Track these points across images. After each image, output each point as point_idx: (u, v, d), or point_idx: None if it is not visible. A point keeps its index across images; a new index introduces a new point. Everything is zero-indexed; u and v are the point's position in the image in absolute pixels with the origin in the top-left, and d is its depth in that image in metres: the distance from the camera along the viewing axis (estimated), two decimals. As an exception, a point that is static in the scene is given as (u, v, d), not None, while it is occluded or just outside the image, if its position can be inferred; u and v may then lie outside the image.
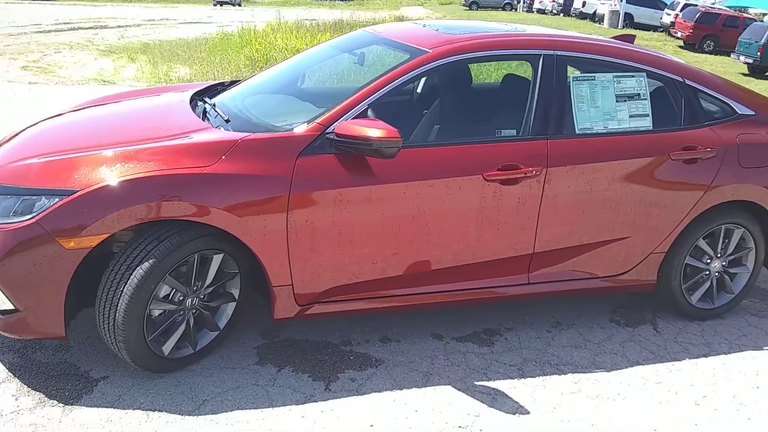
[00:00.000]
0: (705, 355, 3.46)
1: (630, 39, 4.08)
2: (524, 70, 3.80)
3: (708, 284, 3.78)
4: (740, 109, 3.68)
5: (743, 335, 3.69)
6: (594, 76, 3.40)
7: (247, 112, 3.26)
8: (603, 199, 3.33)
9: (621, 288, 3.61)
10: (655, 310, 3.88)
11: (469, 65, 3.98)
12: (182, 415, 2.72)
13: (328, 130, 2.92)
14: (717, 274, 3.78)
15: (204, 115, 3.32)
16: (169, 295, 2.87)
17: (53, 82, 10.71)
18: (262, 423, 2.71)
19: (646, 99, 3.47)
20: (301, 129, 2.96)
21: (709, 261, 3.74)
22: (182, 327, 2.94)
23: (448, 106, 3.68)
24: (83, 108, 3.87)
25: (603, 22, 30.79)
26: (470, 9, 42.27)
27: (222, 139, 2.90)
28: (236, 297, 3.10)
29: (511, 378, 3.13)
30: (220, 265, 2.99)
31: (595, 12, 33.08)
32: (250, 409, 2.78)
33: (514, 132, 3.34)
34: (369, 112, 3.12)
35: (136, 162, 2.76)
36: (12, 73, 11.32)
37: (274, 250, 2.90)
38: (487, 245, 3.23)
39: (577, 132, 3.34)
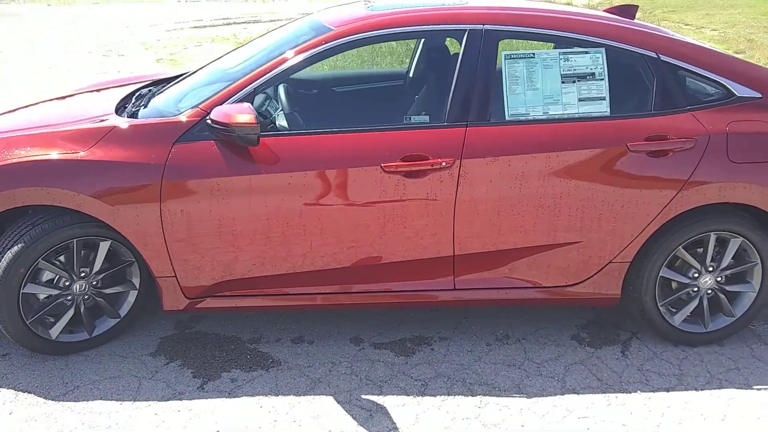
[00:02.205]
0: (667, 390, 2.87)
1: (631, 11, 3.46)
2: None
3: (695, 303, 3.12)
4: (739, 91, 2.98)
5: (736, 369, 3.01)
6: (533, 53, 2.92)
7: (163, 100, 3.19)
8: (537, 196, 2.86)
9: (573, 301, 3.09)
10: (637, 329, 3.29)
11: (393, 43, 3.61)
12: (46, 399, 2.73)
13: (208, 116, 2.77)
14: (709, 291, 3.11)
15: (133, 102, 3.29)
16: (53, 279, 2.90)
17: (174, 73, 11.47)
18: (112, 415, 2.64)
19: (602, 79, 2.92)
20: (183, 115, 2.84)
21: (696, 275, 3.09)
22: (70, 312, 2.95)
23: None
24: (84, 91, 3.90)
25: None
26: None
27: (97, 126, 2.86)
28: (137, 285, 3.06)
29: (407, 395, 2.79)
30: (113, 253, 2.97)
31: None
32: (112, 400, 2.73)
33: (427, 118, 2.97)
34: (263, 96, 2.93)
35: (17, 148, 2.80)
36: (145, 65, 12.30)
37: (151, 239, 2.81)
38: (394, 244, 2.90)
39: (507, 118, 2.89)
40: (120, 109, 3.18)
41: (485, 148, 2.83)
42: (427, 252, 2.93)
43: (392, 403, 2.74)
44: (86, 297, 2.98)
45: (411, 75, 3.87)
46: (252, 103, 2.80)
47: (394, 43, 5.61)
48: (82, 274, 2.93)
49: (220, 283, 2.94)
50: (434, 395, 2.79)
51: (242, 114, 2.62)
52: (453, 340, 3.20)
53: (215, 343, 3.14)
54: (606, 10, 3.50)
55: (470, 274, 3.01)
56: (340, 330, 3.25)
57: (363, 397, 2.77)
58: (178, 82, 3.38)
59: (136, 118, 3.00)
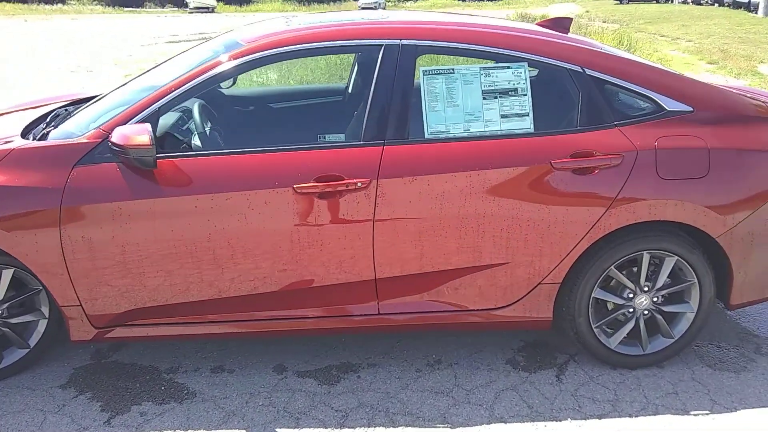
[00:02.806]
0: (600, 416, 2.74)
1: (565, 24, 3.37)
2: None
3: (632, 324, 3.00)
4: (669, 105, 2.88)
5: (674, 393, 2.89)
6: (452, 69, 2.81)
7: (75, 121, 3.06)
8: (460, 216, 2.75)
9: (503, 324, 2.97)
10: (576, 351, 3.17)
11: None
12: (-59, 438, 2.58)
13: (109, 138, 2.64)
14: (646, 312, 3.00)
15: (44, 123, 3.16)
16: (-48, 310, 2.75)
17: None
18: (7, 456, 2.50)
19: (525, 95, 2.82)
20: (84, 137, 2.71)
21: (631, 296, 2.97)
22: (-28, 343, 2.81)
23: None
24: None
25: (758, 11, 27.54)
26: (620, 3, 39.69)
27: None
28: (46, 314, 2.92)
29: (325, 427, 2.65)
30: (19, 281, 2.83)
31: (749, 1, 29.85)
32: (11, 438, 2.58)
33: (342, 137, 2.85)
34: (177, 114, 2.80)
35: None
36: (112, 81, 12.15)
37: (52, 267, 2.68)
38: (311, 269, 2.77)
39: (426, 136, 2.78)
40: (31, 130, 3.04)
41: (403, 167, 2.71)
42: (347, 276, 2.80)
43: (307, 436, 2.60)
44: (-9, 327, 2.83)
45: (347, 91, 3.76)
46: (156, 124, 2.67)
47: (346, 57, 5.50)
48: (-16, 304, 2.79)
49: (130, 311, 2.80)
50: (353, 427, 2.66)
51: (138, 135, 2.50)
52: (382, 366, 3.06)
53: (130, 374, 2.99)
54: (539, 23, 3.40)
55: (394, 298, 2.88)
56: (263, 358, 3.11)
57: (277, 430, 2.63)
58: (97, 101, 3.25)
59: (45, 139, 2.87)
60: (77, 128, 2.87)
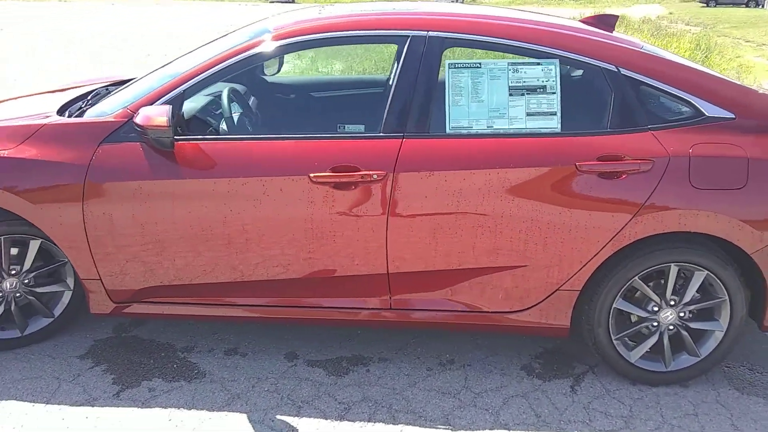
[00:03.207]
0: (609, 432, 2.63)
1: (610, 21, 3.23)
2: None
3: (655, 339, 2.87)
4: (709, 110, 2.72)
5: (693, 414, 2.74)
6: (479, 63, 2.74)
7: (111, 100, 3.13)
8: (477, 215, 2.67)
9: (518, 329, 2.88)
10: (596, 362, 3.05)
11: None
12: (-39, 395, 2.71)
13: (134, 118, 2.70)
14: (671, 327, 2.85)
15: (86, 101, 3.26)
16: (-19, 276, 2.88)
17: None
18: (20, 417, 2.59)
19: (554, 93, 2.72)
20: (111, 116, 2.78)
21: (656, 309, 2.83)
22: (0, 308, 2.93)
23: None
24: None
25: None
26: (707, 6, 38.06)
27: (28, 124, 2.82)
28: (71, 286, 3.02)
29: (325, 418, 2.64)
30: (47, 252, 2.93)
31: None
32: (25, 401, 2.68)
33: (362, 128, 2.82)
34: (198, 99, 2.84)
35: None
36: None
37: (74, 240, 2.76)
38: (324, 259, 2.76)
39: (447, 131, 2.72)
40: (70, 108, 3.14)
41: (421, 161, 2.66)
42: (360, 268, 2.78)
43: (306, 426, 2.59)
44: (18, 295, 2.95)
45: (387, 83, 3.73)
46: (180, 106, 2.71)
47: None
48: (12, 272, 2.90)
49: (147, 288, 2.86)
50: (353, 420, 2.64)
51: (158, 116, 2.54)
52: (393, 362, 3.03)
53: (147, 350, 3.06)
54: (583, 20, 3.28)
55: (407, 293, 2.84)
56: (277, 344, 3.13)
57: (278, 417, 2.64)
58: (134, 83, 3.33)
59: (80, 117, 2.96)
60: (110, 108, 2.95)
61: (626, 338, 2.89)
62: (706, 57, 11.87)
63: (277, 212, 2.69)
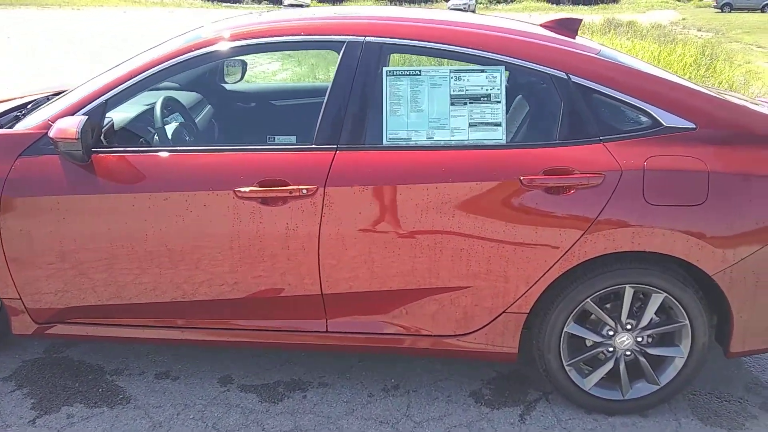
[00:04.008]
0: (556, 467, 2.43)
1: (572, 26, 3.04)
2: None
3: (611, 365, 2.66)
4: (668, 120, 2.52)
5: (651, 447, 2.54)
6: (419, 70, 2.56)
7: (43, 110, 2.98)
8: (415, 232, 2.49)
9: (464, 354, 2.69)
10: (552, 389, 2.85)
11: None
12: None
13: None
14: (628, 353, 2.65)
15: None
16: None
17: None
18: (-77, 448, 2.44)
19: (499, 102, 2.53)
20: (32, 127, 2.63)
21: (611, 333, 2.63)
22: None
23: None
24: None
25: None
26: (722, 11, 37.64)
27: None
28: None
29: (249, 448, 2.47)
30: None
31: None
32: (-66, 429, 2.53)
33: (293, 140, 2.65)
34: (130, 109, 2.68)
35: None
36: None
37: (-9, 258, 2.61)
38: (255, 279, 2.59)
39: (384, 143, 2.54)
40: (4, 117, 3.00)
41: (355, 175, 2.48)
42: (294, 289, 2.60)
43: (227, 458, 2.42)
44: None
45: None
46: (102, 117, 2.55)
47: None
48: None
49: (70, 308, 2.71)
50: (279, 453, 2.46)
51: (68, 127, 2.39)
52: (333, 387, 2.85)
53: (75, 372, 2.90)
54: (543, 24, 3.09)
55: (344, 316, 2.66)
56: (213, 367, 2.96)
57: (199, 448, 2.47)
58: (69, 92, 3.18)
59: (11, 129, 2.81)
60: (35, 119, 2.80)
61: (580, 364, 2.69)
62: (710, 63, 11.57)
63: (201, 229, 2.52)
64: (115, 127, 2.71)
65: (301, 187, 2.46)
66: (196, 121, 3.34)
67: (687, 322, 2.57)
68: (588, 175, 2.44)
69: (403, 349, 2.70)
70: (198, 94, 3.58)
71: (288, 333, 2.70)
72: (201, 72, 3.58)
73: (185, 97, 3.41)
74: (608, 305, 2.64)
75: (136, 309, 2.68)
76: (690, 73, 10.24)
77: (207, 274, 2.58)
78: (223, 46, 2.61)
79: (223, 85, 3.81)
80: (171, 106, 3.07)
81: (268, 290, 2.61)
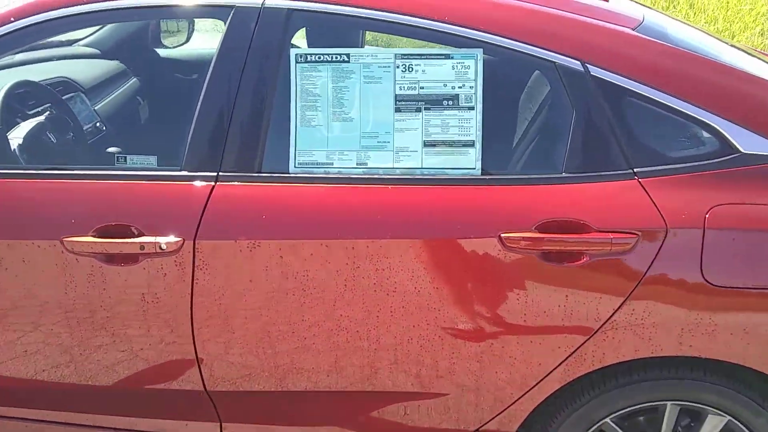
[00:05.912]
0: None
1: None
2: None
3: None
4: (747, 144, 1.54)
5: None
6: (347, 54, 1.62)
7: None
8: (335, 313, 1.60)
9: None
10: None
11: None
12: None
13: None
14: (666, 493, 1.74)
15: None
16: None
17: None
18: None
19: (472, 108, 1.59)
20: None
21: (640, 465, 1.72)
22: None
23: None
24: None
25: None
26: None
27: None
28: None
29: None
30: None
31: None
32: None
33: (153, 161, 1.76)
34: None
35: None
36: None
37: None
38: (107, 361, 1.75)
39: (291, 170, 1.63)
40: None
41: (243, 222, 1.60)
42: (169, 382, 1.76)
43: None
44: None
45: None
46: None
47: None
48: None
49: None
50: None
51: None
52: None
53: None
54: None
55: (244, 422, 1.81)
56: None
57: None
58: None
59: None
60: None
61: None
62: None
63: (24, 293, 1.68)
64: None
65: (158, 240, 1.58)
66: (95, 110, 2.45)
67: (760, 456, 1.64)
68: (611, 235, 1.49)
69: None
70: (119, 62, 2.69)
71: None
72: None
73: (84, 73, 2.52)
74: (642, 420, 1.72)
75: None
76: None
77: (45, 352, 1.75)
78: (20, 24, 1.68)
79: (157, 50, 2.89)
80: (32, 94, 2.17)
81: (138, 381, 1.76)
